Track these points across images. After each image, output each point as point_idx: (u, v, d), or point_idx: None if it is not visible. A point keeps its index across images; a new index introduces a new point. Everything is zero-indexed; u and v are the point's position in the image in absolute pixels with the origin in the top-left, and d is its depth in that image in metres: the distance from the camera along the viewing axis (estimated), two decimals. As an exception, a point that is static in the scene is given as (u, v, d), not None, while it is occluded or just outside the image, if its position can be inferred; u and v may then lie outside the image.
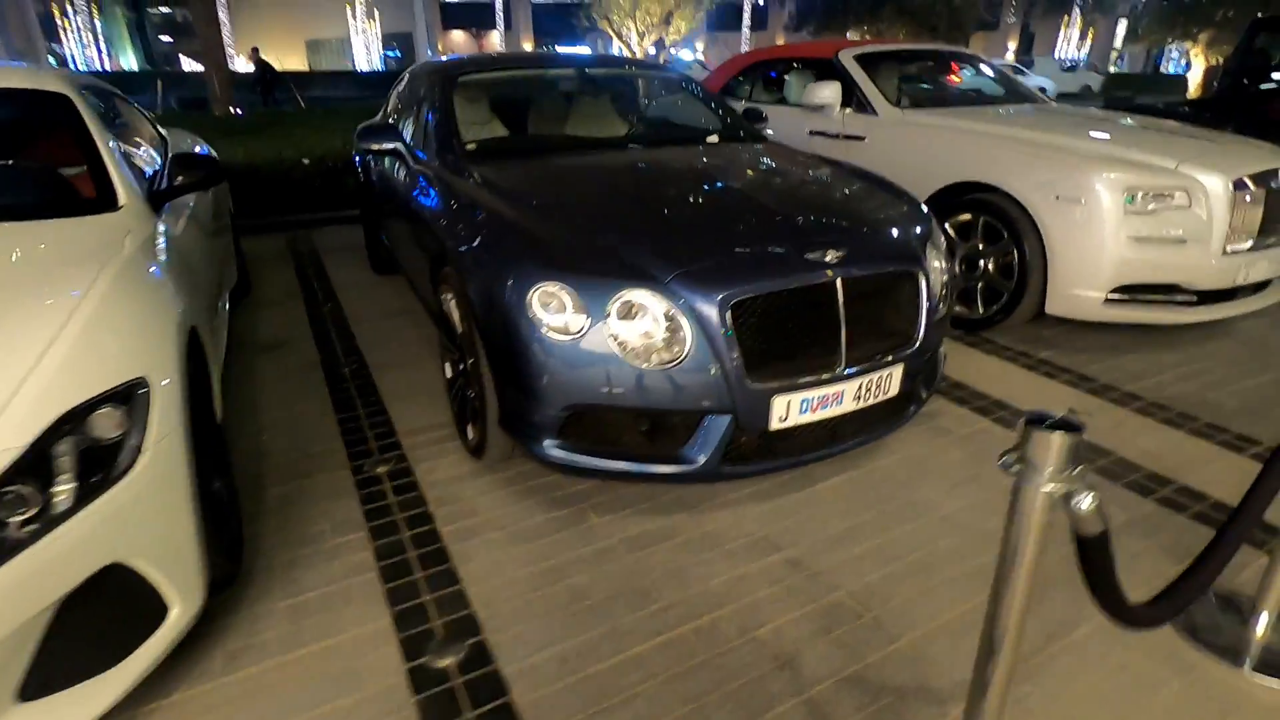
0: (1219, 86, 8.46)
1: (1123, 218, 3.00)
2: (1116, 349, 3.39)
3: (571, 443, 1.99)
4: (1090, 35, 37.17)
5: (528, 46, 48.96)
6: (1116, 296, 3.13)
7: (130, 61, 41.49)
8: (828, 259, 1.96)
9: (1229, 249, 3.07)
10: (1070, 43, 42.77)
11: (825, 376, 1.96)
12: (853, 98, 4.24)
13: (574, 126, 3.19)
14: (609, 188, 2.53)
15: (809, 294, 1.94)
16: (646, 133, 3.31)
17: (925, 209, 2.55)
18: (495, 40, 45.90)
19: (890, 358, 2.09)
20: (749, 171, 2.81)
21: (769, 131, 3.68)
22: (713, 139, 3.22)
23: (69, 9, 44.61)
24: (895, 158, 3.89)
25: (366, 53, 48.80)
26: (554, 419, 1.96)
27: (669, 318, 1.86)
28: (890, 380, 2.10)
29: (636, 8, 11.14)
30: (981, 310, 3.54)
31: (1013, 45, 47.01)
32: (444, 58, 3.85)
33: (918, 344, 2.15)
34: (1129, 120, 3.86)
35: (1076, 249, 3.12)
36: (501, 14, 45.00)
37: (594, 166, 2.76)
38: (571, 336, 1.86)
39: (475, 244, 2.14)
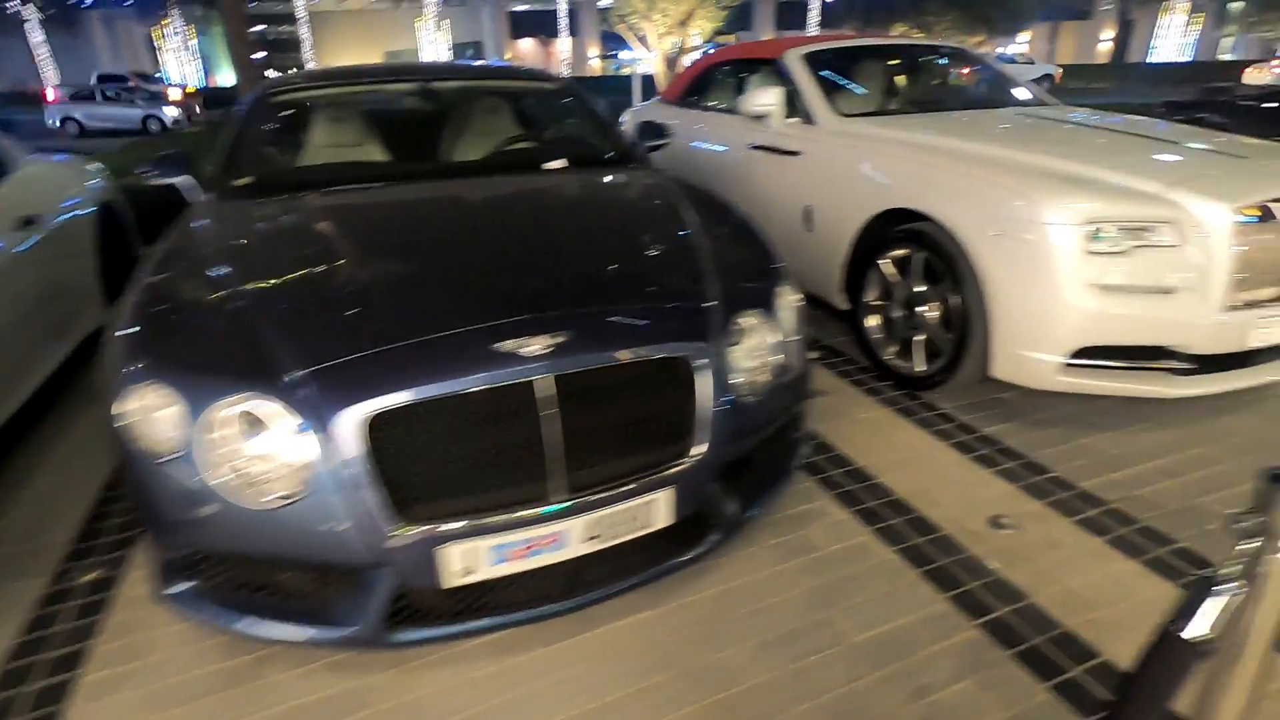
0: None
1: (1083, 259, 2.27)
2: (1091, 423, 2.63)
3: (206, 590, 1.50)
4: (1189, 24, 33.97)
5: (593, 52, 49.10)
6: (1079, 362, 2.39)
7: (228, 79, 44.38)
8: (529, 349, 1.39)
9: (1236, 300, 2.29)
10: (1172, 30, 39.42)
11: (527, 514, 1.39)
12: (798, 104, 3.59)
13: (395, 150, 2.68)
14: (341, 237, 2.00)
15: (499, 398, 1.38)
16: (474, 159, 2.75)
17: (776, 270, 1.95)
18: (564, 48, 46.24)
19: (650, 478, 1.50)
20: (548, 212, 2.26)
21: (664, 145, 3.10)
22: (556, 164, 2.65)
23: (167, 31, 47.78)
24: (829, 178, 3.23)
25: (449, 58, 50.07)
26: (178, 560, 1.47)
27: (289, 433, 1.35)
28: (652, 509, 1.51)
29: (653, 9, 10.55)
30: (923, 367, 2.85)
31: (1107, 36, 43.75)
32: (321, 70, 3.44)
33: (700, 456, 1.55)
34: (1143, 128, 3.05)
35: (1023, 299, 2.40)
36: (566, 21, 45.30)
37: (356, 206, 2.26)
38: (168, 457, 1.38)
39: (124, 319, 1.68)
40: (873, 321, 3.08)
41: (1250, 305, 2.30)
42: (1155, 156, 2.59)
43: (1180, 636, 0.94)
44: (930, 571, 1.91)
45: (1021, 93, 3.89)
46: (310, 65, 48.67)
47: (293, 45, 50.16)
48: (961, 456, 2.46)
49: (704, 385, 1.54)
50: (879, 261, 2.97)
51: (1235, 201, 2.23)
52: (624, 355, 1.45)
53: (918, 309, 2.82)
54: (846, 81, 3.77)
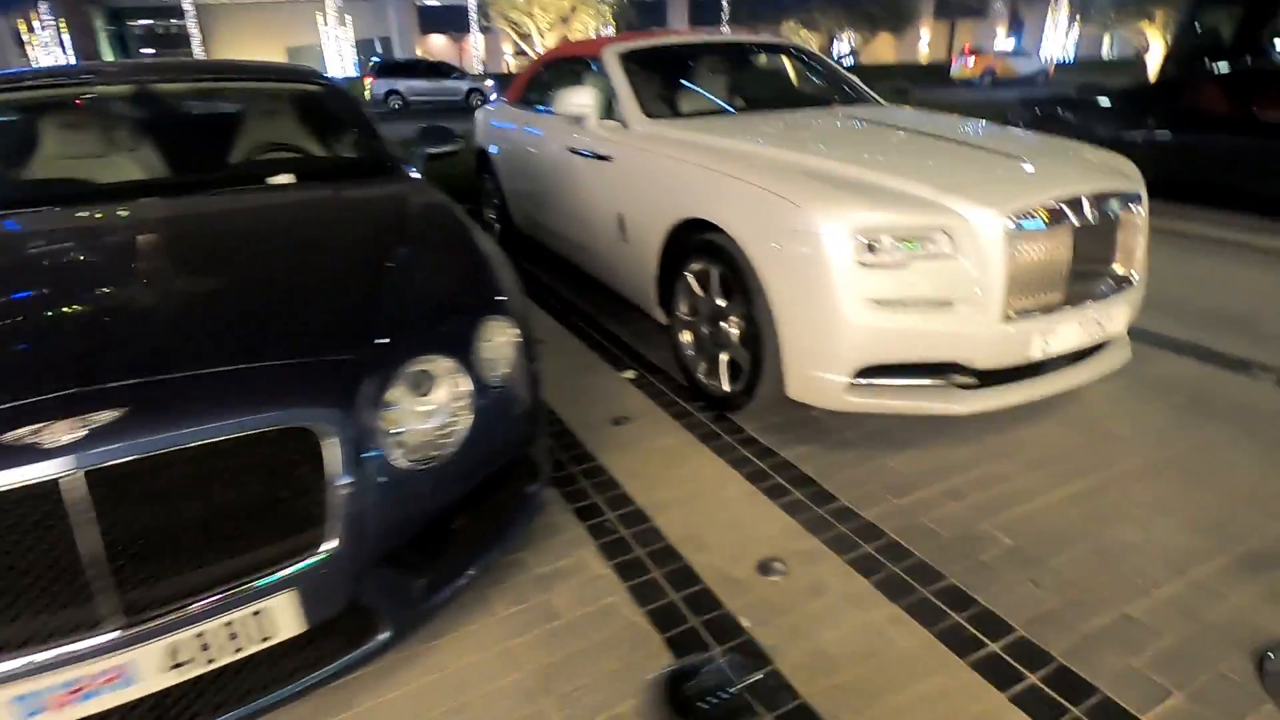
0: (1162, 73, 7.53)
1: (858, 272, 2.11)
2: (893, 441, 2.50)
3: None
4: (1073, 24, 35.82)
5: (508, 49, 48.07)
6: (865, 381, 2.24)
7: None
8: (51, 438, 1.08)
9: (1014, 311, 2.18)
10: (1059, 28, 41.48)
11: (65, 650, 1.08)
12: (614, 106, 3.35)
13: (91, 165, 2.27)
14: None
15: (14, 504, 1.06)
16: (180, 175, 2.38)
17: (492, 304, 1.69)
18: (477, 45, 45.03)
19: (248, 585, 1.21)
20: (223, 241, 1.93)
21: (451, 153, 2.81)
22: (280, 180, 2.31)
23: (36, 25, 44.08)
24: (637, 184, 3.01)
25: (340, 59, 48.16)
26: None
27: None
28: (266, 619, 1.23)
29: (532, 4, 10.18)
30: (728, 387, 2.66)
31: (1001, 31, 45.85)
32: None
33: (333, 550, 1.27)
34: (953, 130, 2.93)
35: (805, 316, 2.23)
36: (477, 16, 44.01)
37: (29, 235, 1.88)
38: None
39: None
40: (686, 337, 2.89)
41: (1028, 314, 2.19)
42: (938, 161, 2.46)
43: None
44: (676, 637, 1.69)
45: (852, 91, 3.77)
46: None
47: (182, 40, 47.16)
48: (752, 487, 2.27)
49: (337, 460, 1.26)
50: (684, 274, 2.78)
51: (1006, 207, 2.11)
52: (210, 432, 1.15)
53: (721, 325, 2.63)
54: (669, 81, 3.56)
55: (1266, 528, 2.03)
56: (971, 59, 26.68)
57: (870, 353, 2.18)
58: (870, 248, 2.11)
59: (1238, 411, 2.66)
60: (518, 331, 1.69)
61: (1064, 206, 2.20)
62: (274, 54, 47.42)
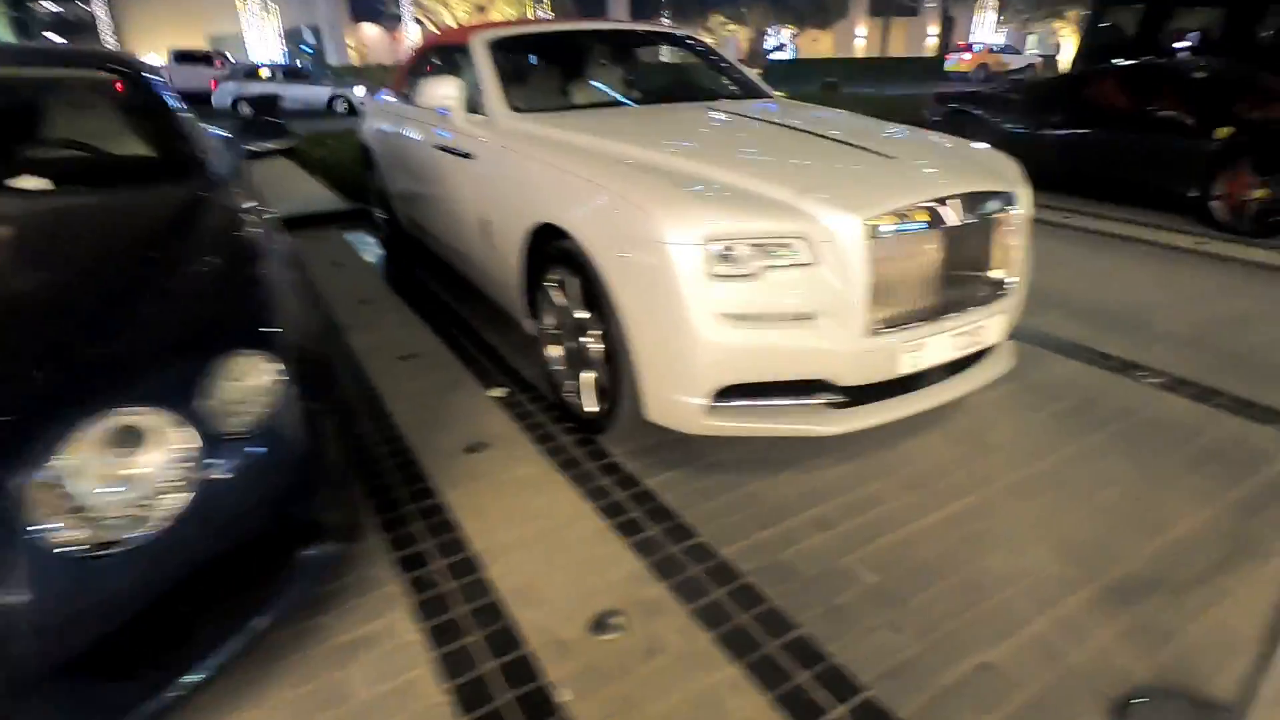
0: (1071, 69, 7.61)
1: (710, 284, 1.91)
2: (766, 463, 2.32)
3: None
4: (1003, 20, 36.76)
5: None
6: (724, 403, 2.04)
7: None
8: None
9: (880, 323, 2.00)
10: (985, 27, 42.49)
11: None
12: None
13: None
14: None
15: None
16: None
17: (248, 336, 1.42)
18: (412, 35, 43.70)
19: None
20: None
21: (279, 150, 2.48)
22: (34, 184, 1.97)
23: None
24: (496, 186, 2.75)
25: (265, 47, 46.17)
26: None
27: None
28: None
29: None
30: (593, 407, 2.44)
31: (934, 30, 46.91)
32: None
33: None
34: (843, 128, 2.75)
35: (655, 332, 2.02)
36: (410, 6, 42.63)
37: None
38: None
39: None
40: (553, 352, 2.65)
41: (895, 326, 2.02)
42: (806, 162, 2.27)
43: None
44: None
45: (746, 86, 3.58)
46: (111, 48, 43.74)
47: (90, 27, 44.40)
48: (605, 524, 2.05)
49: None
50: (545, 284, 2.53)
51: (866, 211, 1.93)
52: None
53: (581, 340, 2.40)
54: (542, 73, 3.30)
55: (1138, 549, 1.91)
56: (967, 54, 27.46)
57: (727, 372, 1.98)
58: (723, 257, 1.91)
59: (1120, 418, 2.57)
60: (281, 367, 1.41)
61: (933, 209, 2.03)
62: (193, 42, 45.12)
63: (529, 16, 10.25)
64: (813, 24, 12.71)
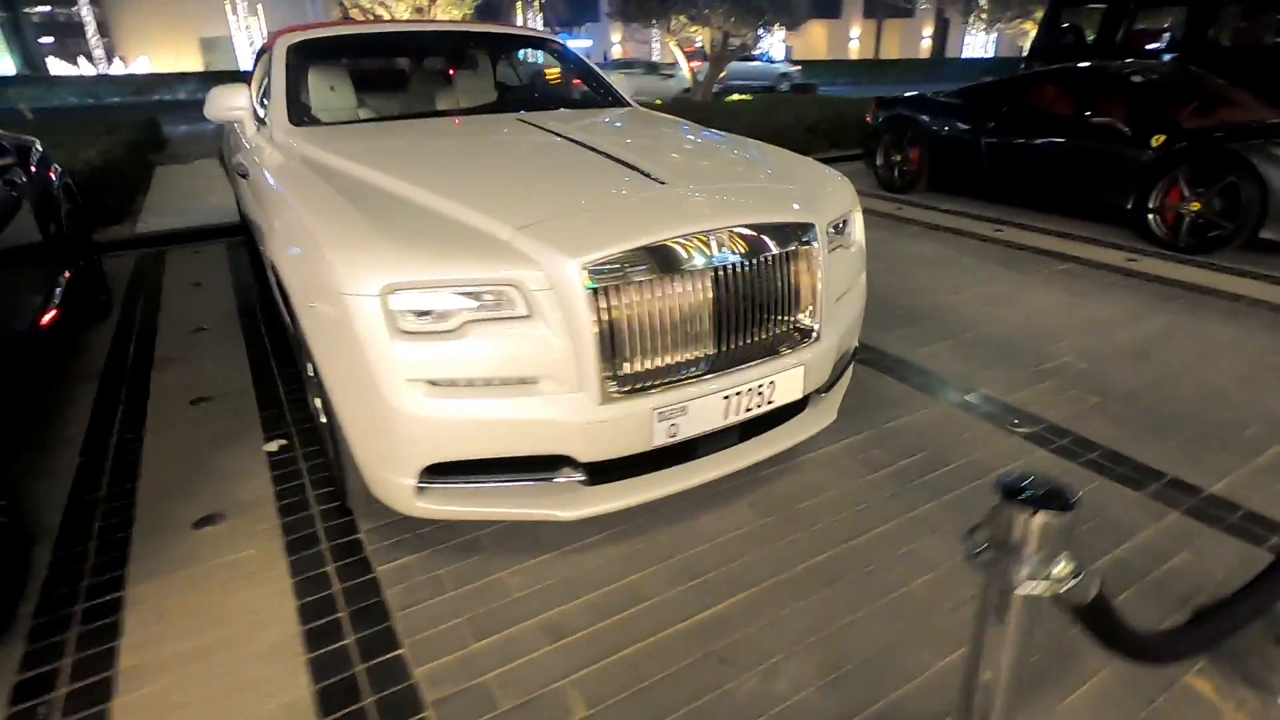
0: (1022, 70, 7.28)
1: (401, 345, 1.56)
2: (528, 542, 1.96)
3: None
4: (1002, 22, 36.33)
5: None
6: (439, 484, 1.69)
7: (7, 65, 38.98)
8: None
9: (618, 387, 1.65)
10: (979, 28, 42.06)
11: None
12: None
13: None
14: None
15: None
16: None
17: None
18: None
19: None
20: None
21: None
22: None
23: (-87, 11, 40.63)
24: (256, 210, 2.40)
25: (251, 51, 45.89)
26: None
27: None
28: None
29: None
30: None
31: (928, 33, 46.53)
32: None
33: None
34: (652, 142, 2.41)
35: (355, 400, 1.67)
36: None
37: None
38: None
39: None
40: (317, 402, 2.30)
41: (642, 390, 1.67)
42: (557, 189, 1.91)
43: None
44: None
45: (598, 91, 3.23)
46: (98, 52, 43.71)
47: (82, 30, 44.12)
48: (297, 630, 1.69)
49: None
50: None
51: (586, 253, 1.57)
52: None
53: (315, 398, 2.05)
54: (348, 80, 2.93)
55: (923, 675, 1.55)
56: None
57: (431, 449, 1.63)
58: (415, 311, 1.55)
59: (968, 479, 2.22)
60: None
61: (683, 246, 1.68)
62: (186, 46, 44.88)
63: (468, 14, 9.93)
64: (781, 24, 12.34)
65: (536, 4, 41.02)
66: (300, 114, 2.58)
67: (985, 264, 4.44)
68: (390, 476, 1.69)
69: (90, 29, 44.47)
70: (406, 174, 1.95)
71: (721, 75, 13.33)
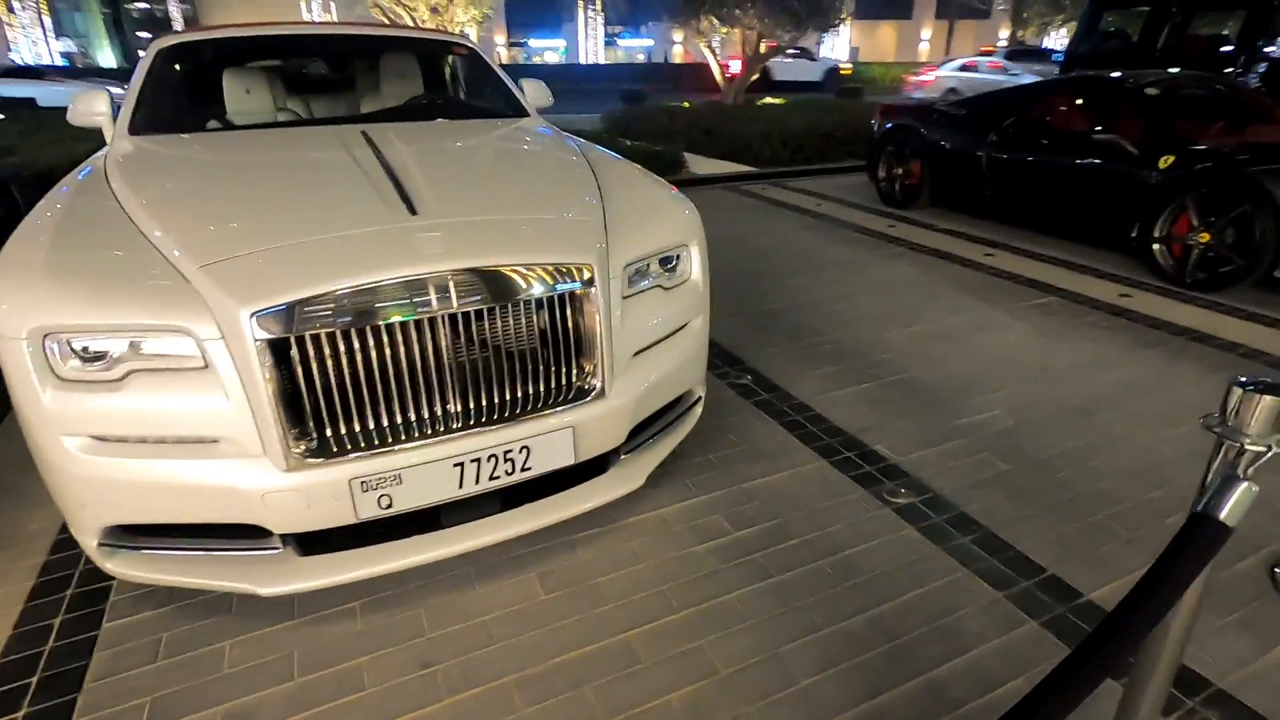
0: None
1: (52, 392, 1.38)
2: (278, 606, 1.77)
3: None
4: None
5: (500, 39, 47.49)
6: (126, 545, 1.51)
7: (109, 58, 41.41)
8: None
9: (309, 452, 1.43)
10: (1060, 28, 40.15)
11: None
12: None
13: None
14: None
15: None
16: None
17: None
18: (470, 33, 44.20)
19: None
20: None
21: None
22: None
23: (14, 4, 43.74)
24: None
25: (323, 47, 47.36)
26: None
27: None
28: None
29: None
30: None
31: (1005, 34, 44.58)
32: None
33: None
34: (461, 162, 2.18)
35: (32, 449, 1.50)
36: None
37: None
38: None
39: None
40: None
41: (338, 456, 1.45)
42: (286, 215, 1.67)
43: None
44: None
45: (504, 100, 3.02)
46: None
47: (169, 25, 46.68)
48: (-21, 693, 1.55)
49: None
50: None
51: (257, 301, 1.36)
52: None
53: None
54: (215, 86, 2.79)
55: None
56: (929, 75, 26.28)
57: (107, 511, 1.46)
58: (76, 356, 1.38)
59: (804, 559, 1.91)
60: None
61: (416, 290, 1.45)
62: (264, 40, 46.89)
63: (488, 14, 9.85)
64: (815, 26, 11.85)
65: (598, 3, 41.18)
66: (143, 122, 2.45)
67: (956, 293, 4.03)
68: (76, 534, 1.52)
69: (178, 26, 46.93)
70: (154, 196, 1.79)
71: (754, 77, 12.92)
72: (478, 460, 1.54)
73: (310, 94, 2.83)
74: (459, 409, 1.54)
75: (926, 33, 47.05)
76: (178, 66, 2.74)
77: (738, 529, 2.05)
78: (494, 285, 1.52)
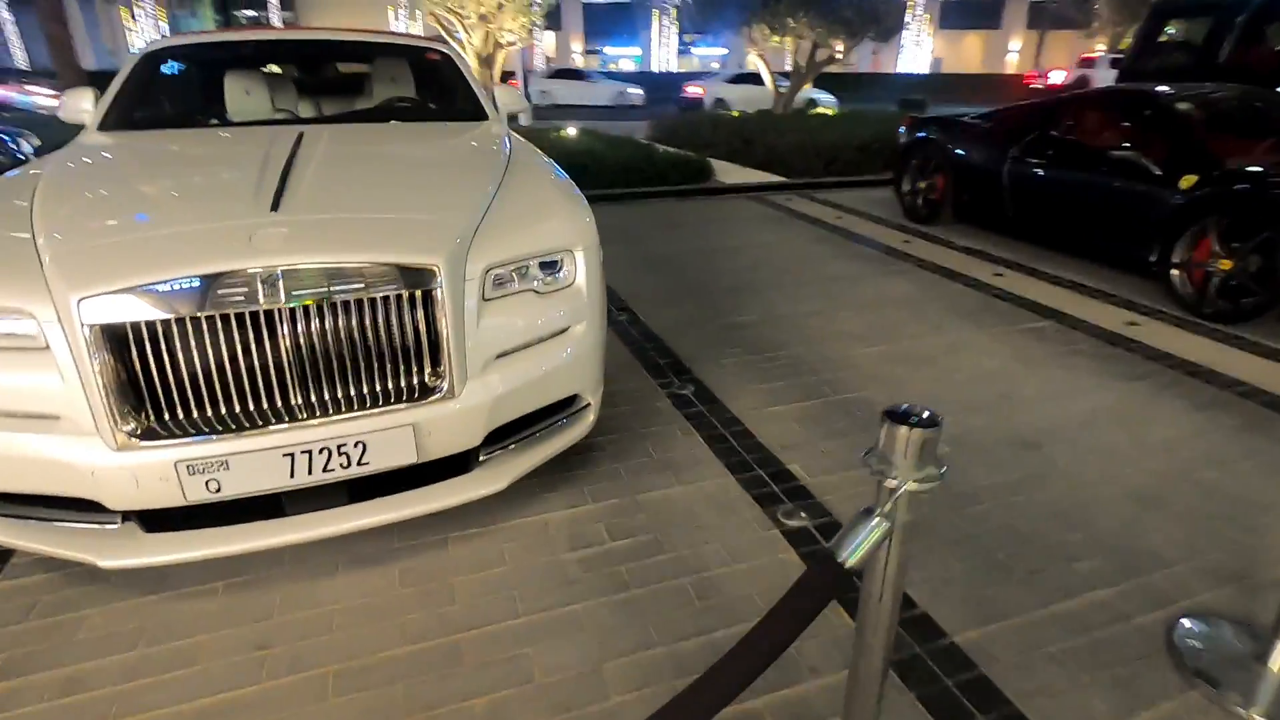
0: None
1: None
2: (164, 576, 1.86)
3: None
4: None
5: (577, 46, 48.40)
6: (-19, 509, 1.62)
7: None
8: None
9: (138, 433, 1.50)
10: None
11: None
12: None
13: None
14: None
15: None
16: None
17: None
18: (547, 43, 45.41)
19: None
20: None
21: None
22: None
23: (136, 11, 47.26)
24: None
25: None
26: None
27: None
28: None
29: (454, -3, 9.51)
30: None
31: (1102, 47, 42.42)
32: None
33: None
34: (384, 168, 2.24)
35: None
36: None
37: None
38: None
39: None
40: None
41: (165, 438, 1.51)
42: (165, 207, 1.76)
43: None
44: None
45: (468, 106, 3.08)
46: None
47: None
48: None
49: None
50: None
51: (90, 287, 1.44)
52: None
53: None
54: (193, 89, 2.96)
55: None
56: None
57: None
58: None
59: (670, 576, 1.87)
60: None
61: (251, 283, 1.50)
62: (354, 43, 49.28)
63: (536, 23, 10.04)
64: (877, 36, 11.53)
65: (673, 13, 41.41)
66: (115, 119, 2.63)
67: (946, 313, 3.86)
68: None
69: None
70: (63, 187, 1.92)
71: (805, 86, 12.72)
72: (309, 452, 1.58)
73: (281, 95, 2.96)
74: (298, 401, 1.58)
75: (1016, 43, 45.23)
76: (161, 69, 2.92)
77: (614, 539, 2.02)
78: (335, 282, 1.56)
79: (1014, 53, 45.54)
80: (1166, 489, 2.28)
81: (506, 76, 14.65)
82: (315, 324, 1.56)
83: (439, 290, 1.65)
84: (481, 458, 1.86)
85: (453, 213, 1.83)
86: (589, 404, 2.09)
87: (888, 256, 5.00)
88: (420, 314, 1.65)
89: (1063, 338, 3.53)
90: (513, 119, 3.49)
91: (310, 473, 1.61)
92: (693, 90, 19.70)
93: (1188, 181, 3.84)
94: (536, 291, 1.89)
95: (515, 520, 2.10)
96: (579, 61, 47.20)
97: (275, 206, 1.71)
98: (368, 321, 1.61)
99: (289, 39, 3.24)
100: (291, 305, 1.53)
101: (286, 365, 1.55)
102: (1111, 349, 3.40)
